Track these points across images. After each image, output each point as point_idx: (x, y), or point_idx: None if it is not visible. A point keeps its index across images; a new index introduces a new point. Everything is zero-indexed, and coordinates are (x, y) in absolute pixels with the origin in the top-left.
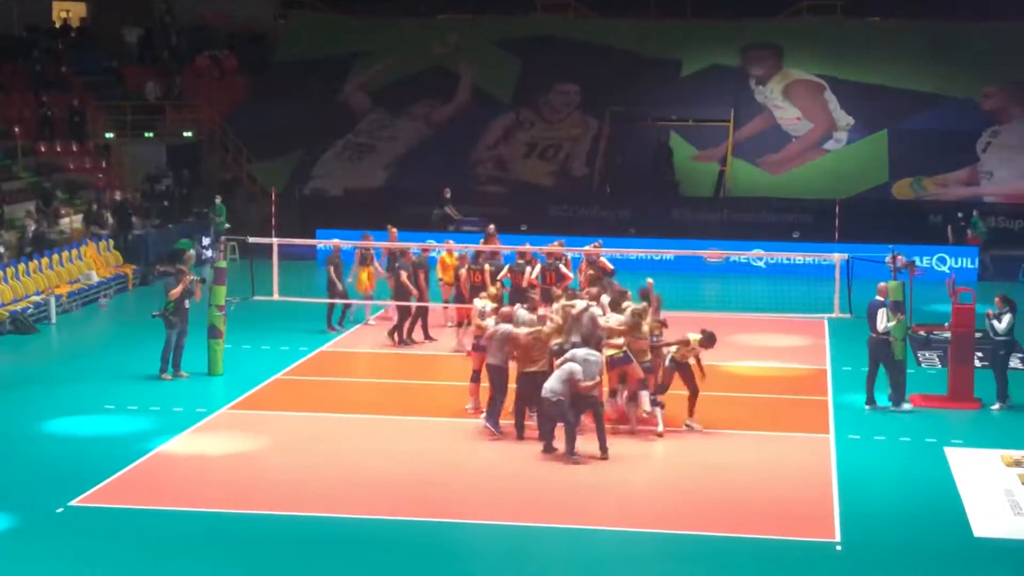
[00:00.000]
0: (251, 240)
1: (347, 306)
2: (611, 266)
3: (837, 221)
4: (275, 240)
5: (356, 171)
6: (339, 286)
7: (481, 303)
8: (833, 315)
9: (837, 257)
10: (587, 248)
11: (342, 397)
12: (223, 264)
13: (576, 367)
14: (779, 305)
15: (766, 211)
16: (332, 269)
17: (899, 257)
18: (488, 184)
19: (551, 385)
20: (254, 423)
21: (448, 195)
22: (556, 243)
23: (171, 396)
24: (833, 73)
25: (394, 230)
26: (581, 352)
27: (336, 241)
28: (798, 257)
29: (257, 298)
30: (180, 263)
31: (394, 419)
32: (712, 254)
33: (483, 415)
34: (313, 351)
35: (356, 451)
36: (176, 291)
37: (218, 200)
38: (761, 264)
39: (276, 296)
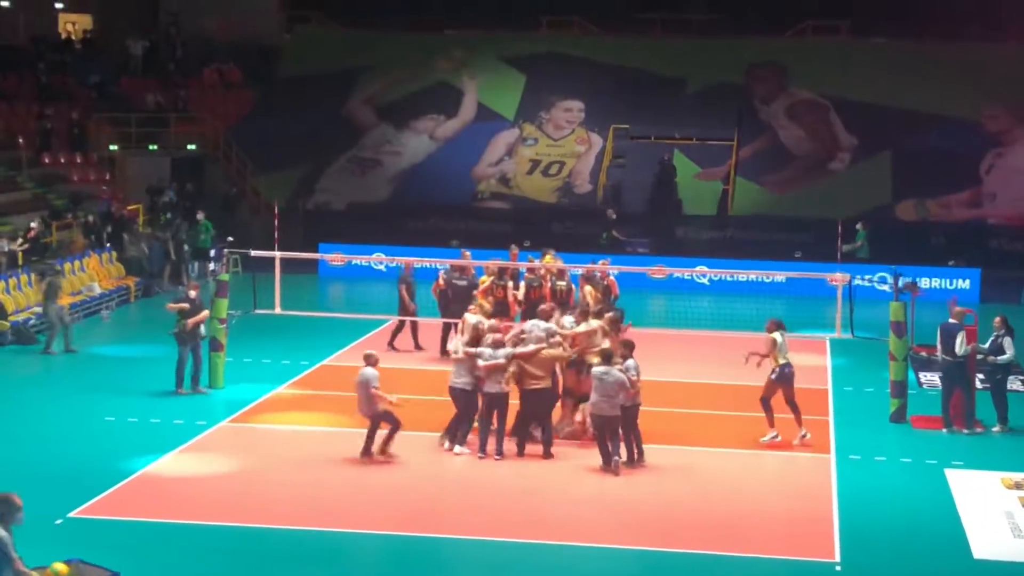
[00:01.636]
0: (253, 253)
1: (414, 327)
2: (618, 290)
3: (839, 241)
4: (277, 254)
5: (360, 185)
6: (411, 306)
7: (474, 318)
8: (835, 335)
9: (840, 278)
10: (594, 266)
11: (342, 411)
12: (225, 277)
13: (624, 378)
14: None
15: (769, 230)
16: (404, 289)
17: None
18: (491, 200)
19: (606, 401)
20: (254, 437)
21: (614, 216)
22: (601, 262)
23: (171, 409)
24: (838, 93)
25: (467, 252)
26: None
27: (407, 259)
28: (797, 276)
29: (259, 312)
30: (190, 293)
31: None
32: (657, 270)
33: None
34: (314, 365)
35: (354, 465)
36: (176, 306)
37: (201, 217)
38: (705, 281)
39: (278, 310)
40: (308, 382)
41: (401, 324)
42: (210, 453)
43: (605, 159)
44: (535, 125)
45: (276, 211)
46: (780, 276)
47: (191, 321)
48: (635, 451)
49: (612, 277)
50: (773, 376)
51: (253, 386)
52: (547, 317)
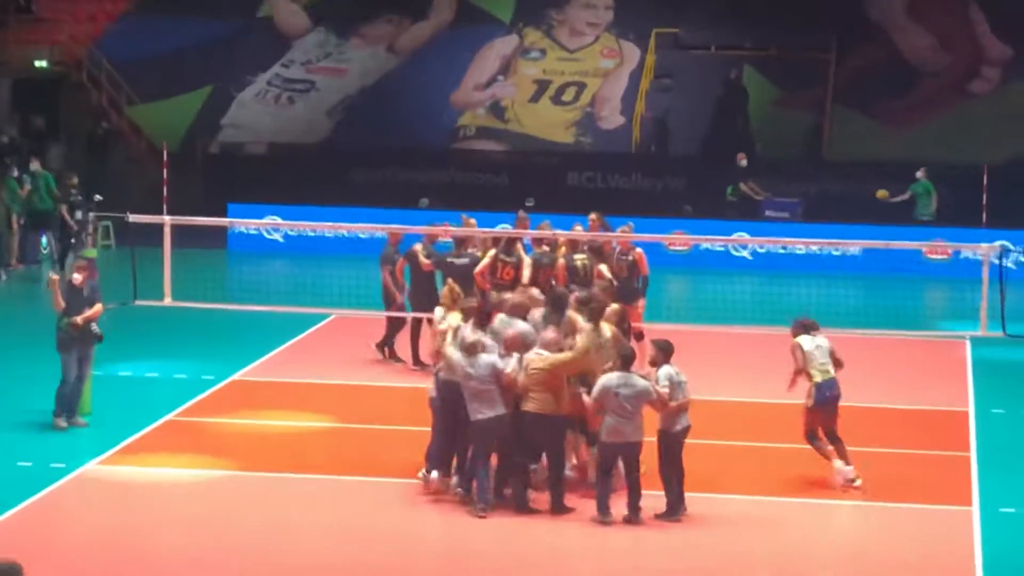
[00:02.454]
0: (132, 219)
1: (398, 327)
2: (647, 268)
3: (985, 196)
4: (167, 219)
5: (287, 119)
6: (398, 297)
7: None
8: (978, 333)
9: (985, 249)
10: (602, 234)
11: (260, 448)
12: (92, 253)
13: (649, 386)
14: (897, 319)
15: (883, 181)
16: (388, 271)
17: None
18: (478, 140)
19: (626, 422)
20: (132, 485)
21: (744, 162)
22: (621, 229)
23: (16, 447)
24: None
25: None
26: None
27: (395, 227)
28: (923, 249)
29: (141, 303)
30: (74, 277)
31: (332, 480)
32: (676, 239)
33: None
34: (222, 381)
35: (276, 526)
36: (55, 302)
37: (36, 167)
38: (746, 255)
39: (168, 300)
40: (213, 405)
41: (393, 324)
42: (68, 511)
43: (644, 79)
44: (542, 30)
45: (165, 157)
46: (981, 250)
47: (82, 319)
48: (676, 496)
49: (640, 250)
50: (810, 403)
51: (132, 412)
52: (523, 312)
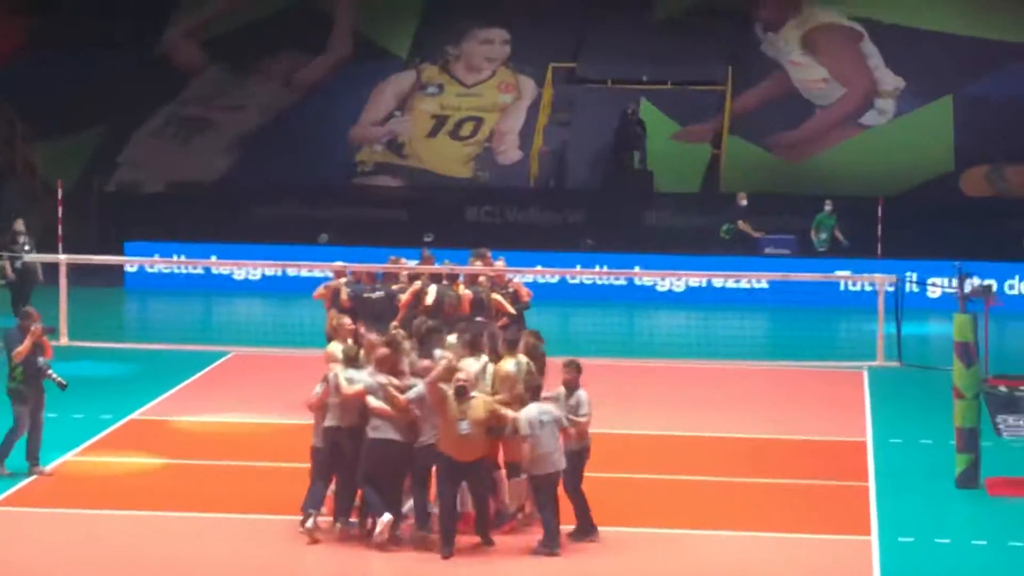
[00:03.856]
0: (27, 258)
1: None
2: (527, 295)
3: (880, 228)
4: (63, 257)
5: (184, 156)
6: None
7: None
8: (875, 363)
9: (881, 280)
10: (480, 268)
11: (160, 487)
12: None
13: (560, 414)
14: (795, 350)
15: (779, 213)
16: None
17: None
18: (377, 175)
19: (556, 451)
20: (27, 527)
21: (744, 202)
22: (499, 262)
23: None
24: (874, 15)
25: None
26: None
27: (340, 264)
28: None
29: None
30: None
31: (231, 518)
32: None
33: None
34: (120, 420)
35: (174, 564)
36: (23, 348)
37: None
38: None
39: (65, 340)
40: (112, 444)
41: None
42: None
43: (541, 114)
44: (439, 66)
45: (60, 195)
46: (877, 281)
47: (19, 351)
48: (586, 516)
49: (516, 280)
50: None
51: (26, 453)
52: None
